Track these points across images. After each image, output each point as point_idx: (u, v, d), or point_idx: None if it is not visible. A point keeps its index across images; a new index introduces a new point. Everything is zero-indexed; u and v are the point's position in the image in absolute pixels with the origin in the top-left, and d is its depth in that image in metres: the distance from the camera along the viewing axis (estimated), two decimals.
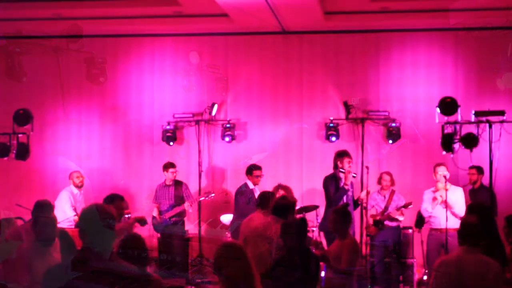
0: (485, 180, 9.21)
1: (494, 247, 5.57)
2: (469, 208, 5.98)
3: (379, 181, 9.91)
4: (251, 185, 9.98)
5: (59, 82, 11.60)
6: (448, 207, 9.05)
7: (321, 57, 11.19)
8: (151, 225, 10.13)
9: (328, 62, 11.17)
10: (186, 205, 10.19)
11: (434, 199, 9.31)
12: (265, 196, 7.35)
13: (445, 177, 9.20)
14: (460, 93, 10.50)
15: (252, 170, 10.04)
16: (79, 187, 10.34)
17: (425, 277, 9.85)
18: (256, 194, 9.89)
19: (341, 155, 9.51)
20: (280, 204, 6.29)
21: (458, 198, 9.18)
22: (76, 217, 9.83)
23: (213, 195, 10.44)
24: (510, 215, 6.58)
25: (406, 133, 10.78)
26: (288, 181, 10.04)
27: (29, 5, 10.20)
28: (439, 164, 9.42)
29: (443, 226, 9.25)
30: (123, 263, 3.76)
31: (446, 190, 9.16)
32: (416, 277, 9.96)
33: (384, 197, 9.79)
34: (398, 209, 9.60)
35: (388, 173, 9.90)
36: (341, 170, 9.22)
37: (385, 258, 9.74)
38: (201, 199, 10.40)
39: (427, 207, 9.47)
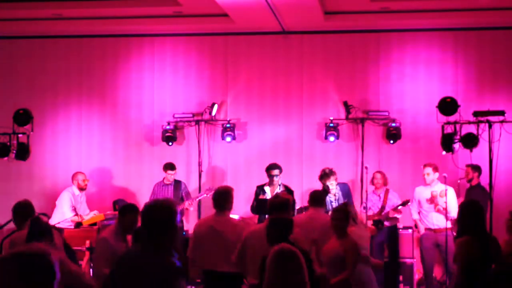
0: (485, 179, 9.22)
1: (487, 239, 5.64)
2: (461, 206, 6.02)
3: (372, 181, 9.93)
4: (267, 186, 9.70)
5: (59, 81, 11.62)
6: (444, 211, 9.09)
7: (321, 57, 11.19)
8: None
9: (328, 62, 11.17)
10: (187, 203, 10.18)
11: (432, 200, 9.37)
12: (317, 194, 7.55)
13: (444, 177, 9.21)
14: (460, 93, 10.50)
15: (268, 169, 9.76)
16: (82, 189, 10.33)
17: (416, 276, 9.91)
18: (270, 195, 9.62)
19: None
20: (275, 203, 6.32)
21: (450, 199, 9.20)
22: (76, 218, 9.83)
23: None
24: None
25: (406, 133, 10.78)
26: (288, 181, 10.03)
27: (29, 5, 10.20)
28: (425, 165, 9.51)
29: (436, 226, 9.31)
30: None
31: (446, 195, 9.18)
32: (416, 277, 9.97)
33: (379, 196, 9.81)
34: (395, 208, 9.62)
35: (380, 172, 9.94)
36: None
37: (384, 258, 9.77)
38: (203, 195, 10.35)
39: (413, 214, 9.61)
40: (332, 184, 9.31)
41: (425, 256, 9.44)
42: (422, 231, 9.48)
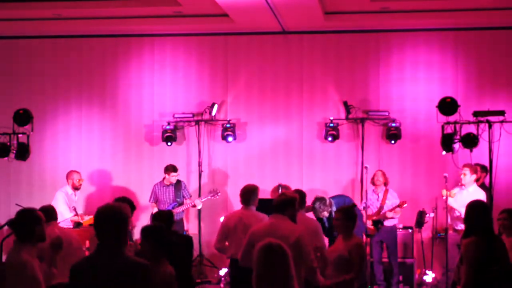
0: (485, 179, 9.23)
1: (493, 240, 5.63)
2: (467, 207, 6.01)
3: (372, 180, 9.92)
4: None
5: (58, 81, 11.62)
6: (453, 210, 9.05)
7: (321, 57, 11.19)
8: None
9: (328, 62, 11.16)
10: (197, 201, 10.23)
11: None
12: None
13: (445, 177, 9.20)
14: (460, 93, 10.51)
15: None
16: (77, 189, 10.29)
17: (428, 279, 9.86)
18: None
19: None
20: (280, 201, 6.32)
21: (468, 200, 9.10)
22: (76, 217, 9.82)
23: (219, 194, 10.46)
24: (504, 209, 6.69)
25: (406, 133, 10.78)
26: (288, 181, 10.01)
27: (29, 5, 10.19)
28: (464, 165, 9.32)
29: (459, 227, 9.10)
30: None
31: (447, 197, 9.16)
32: (416, 277, 9.96)
33: (378, 196, 9.82)
34: (392, 209, 9.62)
35: (381, 171, 9.94)
36: None
37: (384, 258, 9.77)
38: (208, 197, 10.39)
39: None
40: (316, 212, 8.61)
41: (450, 260, 9.12)
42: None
